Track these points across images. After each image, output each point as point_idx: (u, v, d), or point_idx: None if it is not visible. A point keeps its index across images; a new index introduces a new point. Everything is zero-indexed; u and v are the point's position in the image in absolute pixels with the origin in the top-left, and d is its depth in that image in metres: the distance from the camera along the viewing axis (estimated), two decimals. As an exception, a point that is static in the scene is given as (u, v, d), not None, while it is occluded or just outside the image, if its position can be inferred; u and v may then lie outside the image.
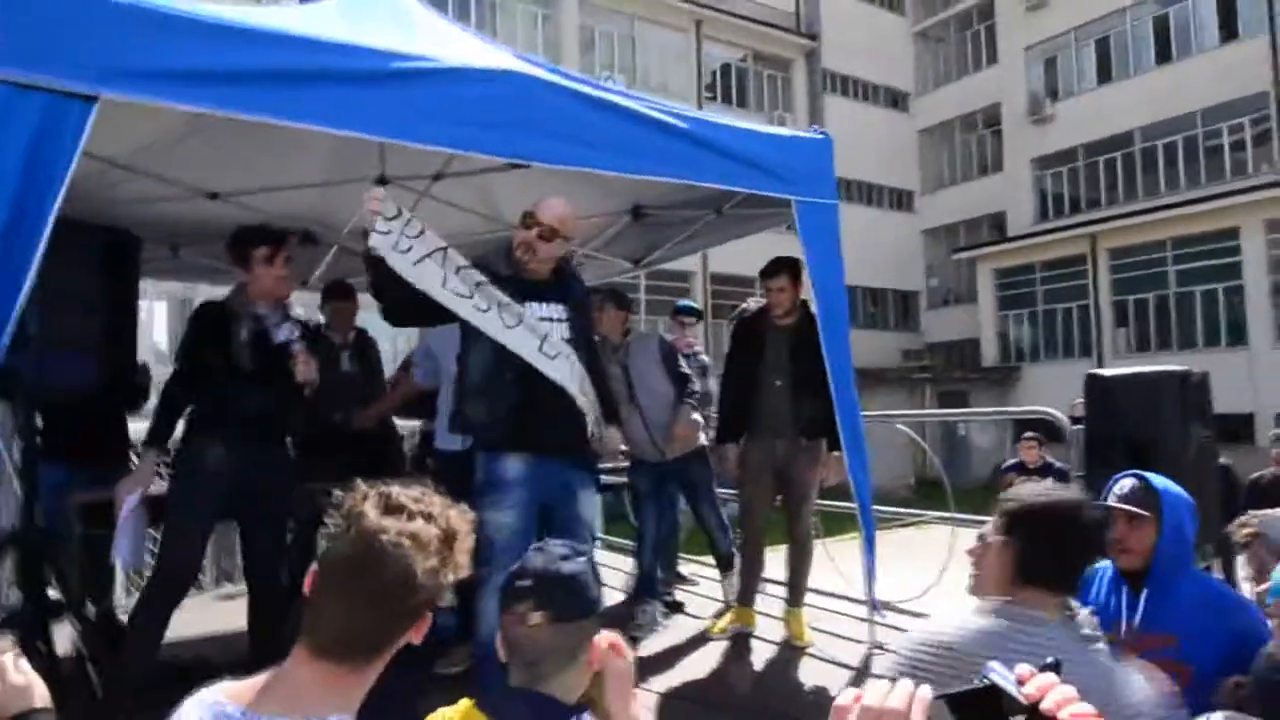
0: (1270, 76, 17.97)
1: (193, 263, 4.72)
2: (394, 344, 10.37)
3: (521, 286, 2.97)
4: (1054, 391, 19.71)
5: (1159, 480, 2.16)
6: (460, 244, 4.80)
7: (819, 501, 4.18)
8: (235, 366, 3.09)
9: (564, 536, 3.06)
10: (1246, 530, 2.26)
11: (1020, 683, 0.75)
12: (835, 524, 4.95)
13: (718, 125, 3.37)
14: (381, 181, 3.95)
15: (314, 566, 1.21)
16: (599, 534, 4.65)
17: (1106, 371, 2.96)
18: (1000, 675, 0.75)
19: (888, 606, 4.07)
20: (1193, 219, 17.68)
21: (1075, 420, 3.58)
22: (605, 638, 1.43)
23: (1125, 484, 2.19)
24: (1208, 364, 14.69)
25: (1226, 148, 19.25)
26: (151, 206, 3.78)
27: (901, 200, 26.19)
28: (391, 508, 1.17)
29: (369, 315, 3.78)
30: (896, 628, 3.91)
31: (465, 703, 1.43)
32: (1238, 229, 17.20)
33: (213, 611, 4.94)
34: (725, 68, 23.20)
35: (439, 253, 2.89)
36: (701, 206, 4.23)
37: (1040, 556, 1.65)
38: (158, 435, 3.15)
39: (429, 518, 1.19)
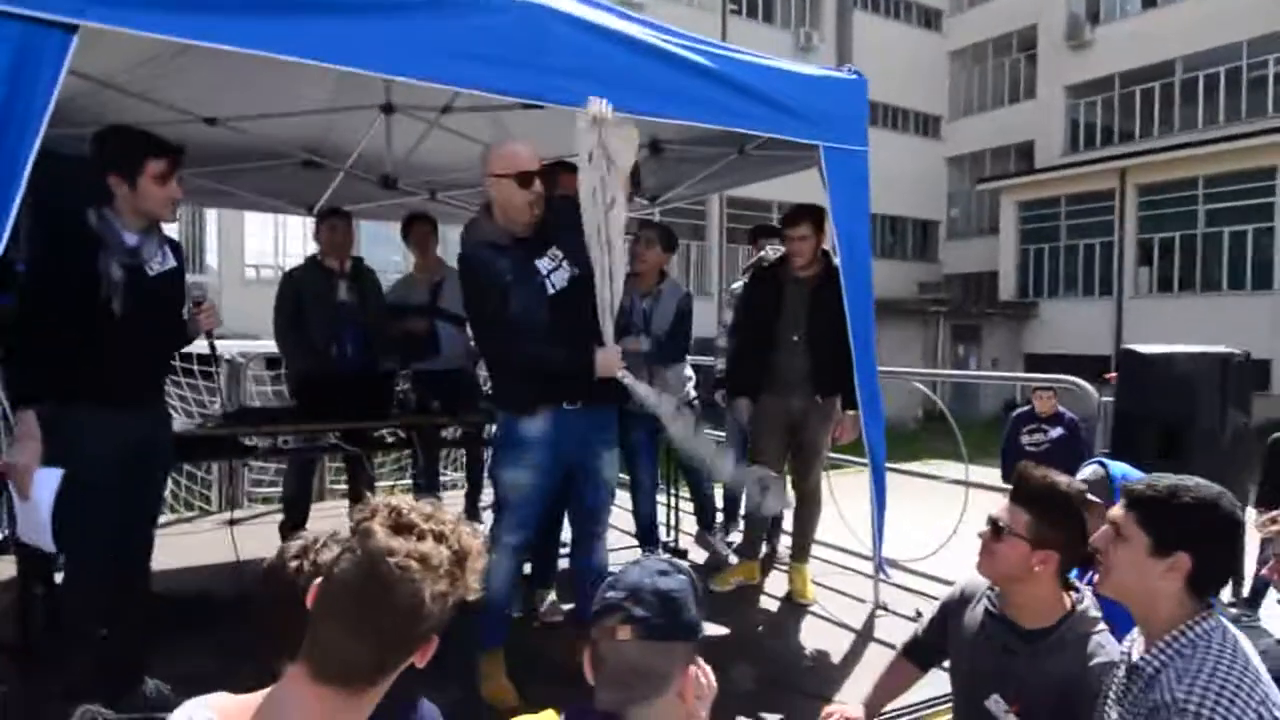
0: (1326, 5, 17.07)
1: (192, 184, 4.55)
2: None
3: (526, 248, 2.81)
4: (1070, 329, 19.61)
5: (1117, 468, 2.11)
6: (471, 176, 4.70)
7: (831, 454, 4.10)
8: (105, 310, 2.52)
9: (580, 500, 3.02)
10: (1275, 528, 2.16)
11: None
12: (843, 479, 4.89)
13: (744, 64, 3.15)
14: (388, 110, 3.78)
15: (317, 582, 1.15)
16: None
17: (1143, 348, 2.81)
18: None
19: (895, 565, 4.04)
20: (1228, 155, 17.10)
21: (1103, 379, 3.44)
22: (703, 670, 1.32)
23: (1087, 471, 2.12)
24: (1230, 307, 14.59)
25: (1271, 80, 18.46)
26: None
27: (927, 125, 25.41)
28: (401, 526, 1.10)
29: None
30: (904, 587, 3.90)
31: (549, 714, 1.36)
32: (1275, 168, 16.63)
33: (220, 539, 4.97)
34: (752, -21, 22.22)
35: None
36: (724, 145, 4.02)
37: (1220, 565, 1.58)
38: (27, 391, 2.50)
39: (440, 538, 1.12)
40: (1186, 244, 18.35)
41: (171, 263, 2.72)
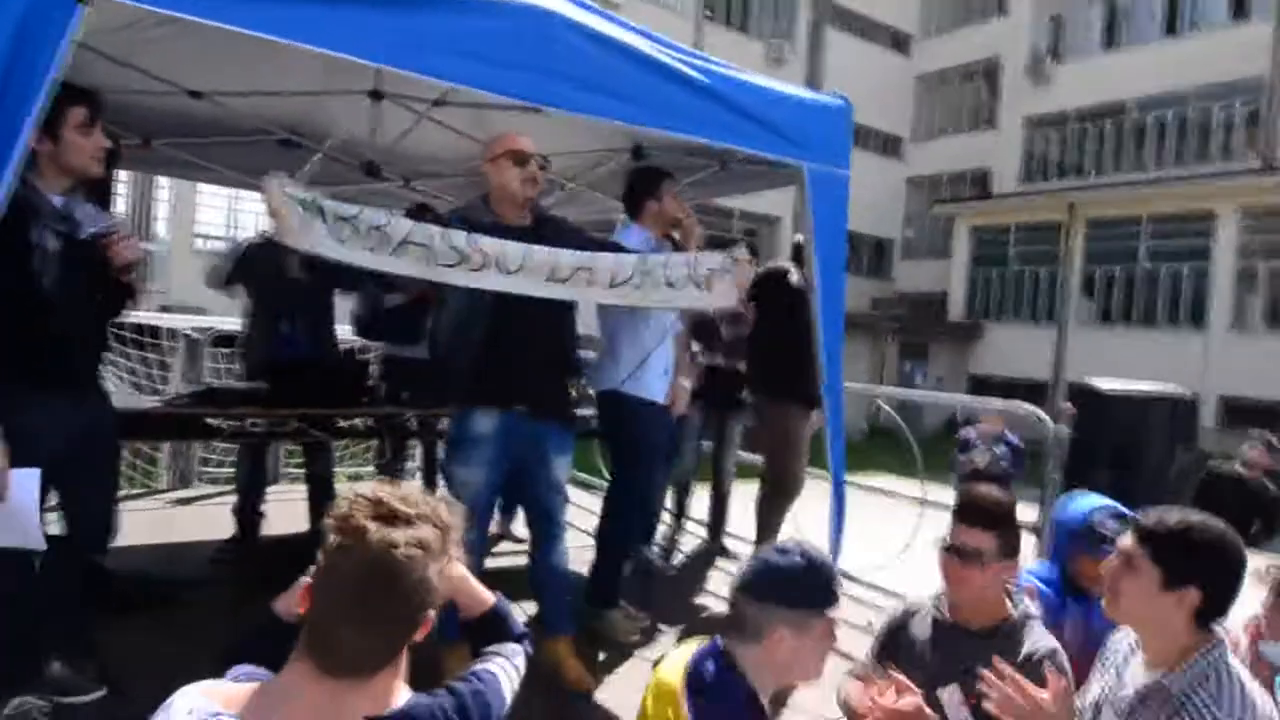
0: (1269, 61, 17.86)
1: (167, 155, 4.46)
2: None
3: (510, 234, 2.84)
4: (1014, 353, 20.19)
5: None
6: (451, 168, 4.68)
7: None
8: (36, 285, 2.32)
9: (535, 501, 3.06)
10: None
11: None
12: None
13: (737, 82, 3.22)
14: (376, 96, 3.75)
15: (306, 583, 1.17)
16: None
17: (1101, 384, 2.97)
18: None
19: (849, 578, 4.14)
20: (1171, 197, 17.80)
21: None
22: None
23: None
24: (1165, 342, 15.17)
25: (1215, 128, 19.27)
26: (124, 98, 3.52)
27: (889, 146, 25.88)
28: (389, 516, 1.13)
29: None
30: (857, 599, 4.01)
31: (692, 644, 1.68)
32: (1213, 211, 17.36)
33: (170, 518, 4.88)
34: (729, -12, 22.38)
35: (415, 231, 2.69)
36: (706, 156, 4.08)
37: (1226, 598, 1.66)
38: None
39: (427, 519, 1.16)
40: (1128, 278, 19.03)
41: (104, 223, 2.54)
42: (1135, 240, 18.81)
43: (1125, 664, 1.80)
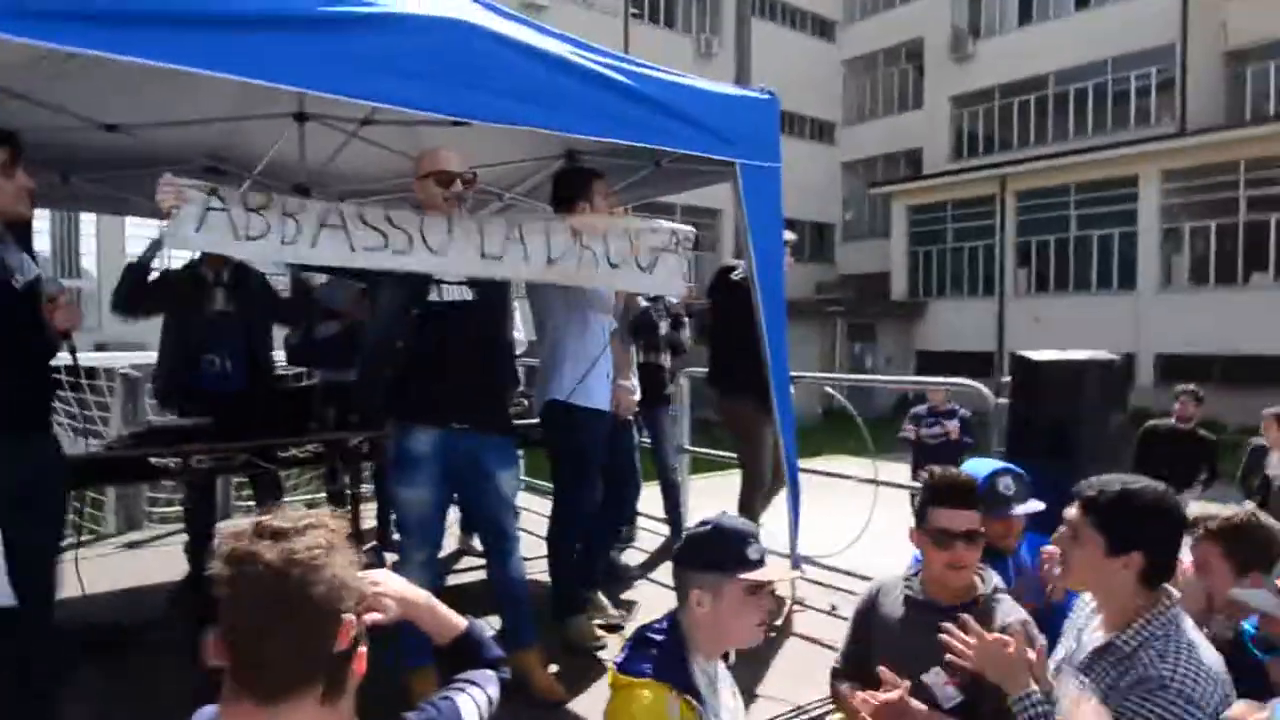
0: (1179, 28, 18.55)
1: (87, 190, 4.34)
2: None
3: None
4: (957, 328, 20.65)
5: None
6: (389, 186, 4.62)
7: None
8: None
9: (483, 517, 3.05)
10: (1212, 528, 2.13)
11: None
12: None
13: (664, 82, 3.23)
14: (301, 118, 3.70)
15: (212, 637, 1.12)
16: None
17: (1034, 355, 3.05)
18: None
19: (809, 561, 4.21)
20: (1096, 165, 18.37)
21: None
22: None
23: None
24: (1098, 305, 15.73)
25: (1133, 96, 19.94)
26: (38, 135, 3.41)
27: (823, 131, 26.24)
28: (274, 533, 1.11)
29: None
30: (819, 582, 4.08)
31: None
32: (1136, 177, 17.96)
33: (119, 563, 4.76)
34: (653, -15, 22.45)
35: (330, 212, 2.63)
36: (640, 157, 4.10)
37: (1169, 559, 1.75)
38: None
39: (311, 527, 1.14)
40: (1060, 246, 19.59)
41: (34, 271, 2.44)
42: (1065, 209, 19.37)
43: (1085, 627, 1.88)
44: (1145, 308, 17.62)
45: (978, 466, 2.42)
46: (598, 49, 3.11)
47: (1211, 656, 1.68)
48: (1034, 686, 1.70)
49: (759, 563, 1.71)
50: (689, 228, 3.25)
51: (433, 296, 2.83)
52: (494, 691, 1.42)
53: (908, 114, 24.73)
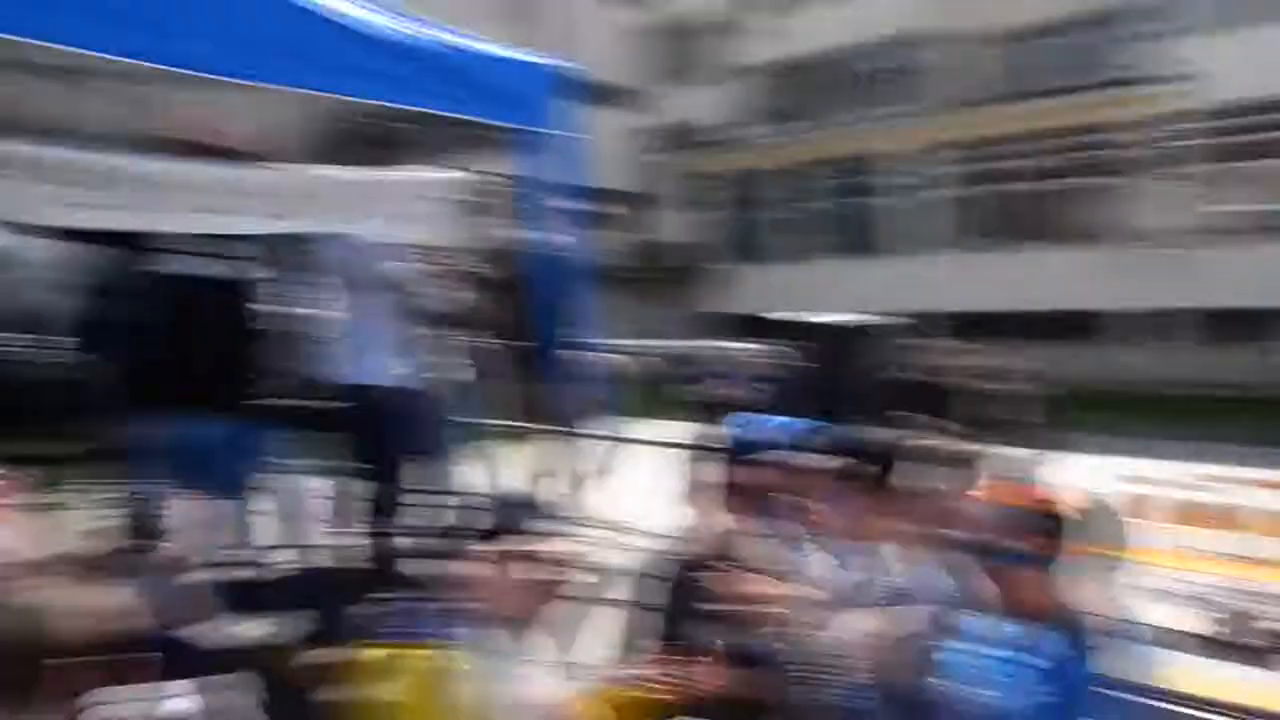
0: (937, 14, 20.19)
1: None
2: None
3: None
4: (759, 293, 21.71)
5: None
6: (114, 137, 4.07)
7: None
8: None
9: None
10: None
11: None
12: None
13: (443, 43, 3.05)
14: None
15: None
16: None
17: (807, 317, 3.23)
18: None
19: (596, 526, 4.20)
20: (875, 137, 20.17)
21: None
22: None
23: None
24: (851, 269, 17.04)
25: (903, 75, 21.60)
26: None
27: (621, 100, 26.40)
28: None
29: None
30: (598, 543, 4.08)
31: None
32: (904, 151, 19.70)
33: None
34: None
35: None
36: (418, 122, 3.88)
37: None
38: None
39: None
40: (821, 215, 21.55)
41: None
42: (826, 180, 21.19)
43: None
44: (938, 270, 19.25)
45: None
46: (378, 4, 2.88)
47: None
48: None
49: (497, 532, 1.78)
50: (464, 174, 3.12)
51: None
52: None
53: (704, 86, 25.42)
